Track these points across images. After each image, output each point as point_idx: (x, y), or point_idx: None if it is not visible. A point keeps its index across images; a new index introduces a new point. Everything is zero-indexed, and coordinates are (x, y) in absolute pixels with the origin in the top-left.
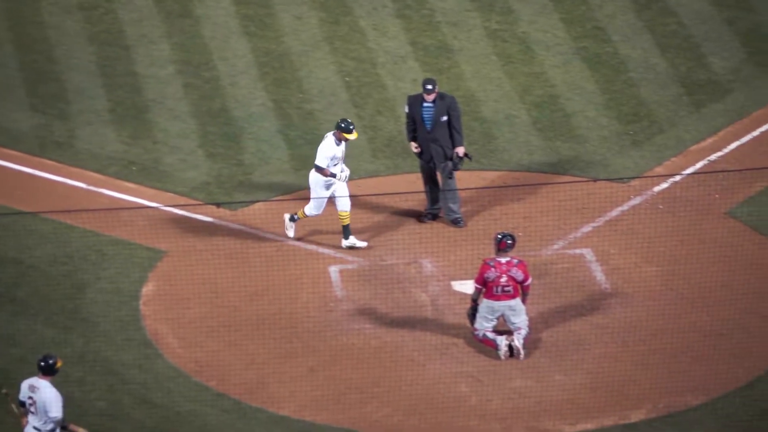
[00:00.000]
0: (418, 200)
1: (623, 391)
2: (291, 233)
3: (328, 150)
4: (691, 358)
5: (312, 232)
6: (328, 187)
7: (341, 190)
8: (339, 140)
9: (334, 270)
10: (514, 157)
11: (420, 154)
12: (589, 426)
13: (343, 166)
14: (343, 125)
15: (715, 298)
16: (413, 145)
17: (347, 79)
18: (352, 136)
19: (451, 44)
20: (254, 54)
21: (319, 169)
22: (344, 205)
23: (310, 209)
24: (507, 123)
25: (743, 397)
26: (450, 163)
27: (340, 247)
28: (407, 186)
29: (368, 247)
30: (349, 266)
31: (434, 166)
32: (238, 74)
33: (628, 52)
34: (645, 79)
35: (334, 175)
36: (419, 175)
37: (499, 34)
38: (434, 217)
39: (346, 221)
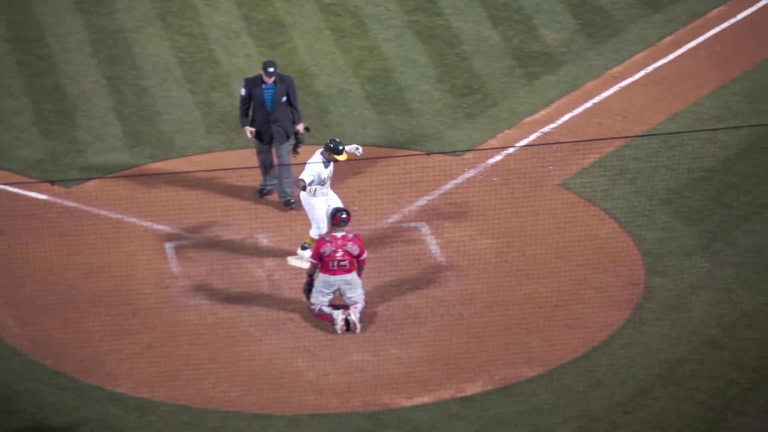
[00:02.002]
0: (253, 176)
1: (459, 363)
2: (305, 264)
3: (315, 167)
4: (526, 330)
5: (146, 209)
6: (322, 203)
7: (334, 199)
8: (327, 161)
9: (169, 246)
10: (348, 132)
11: (258, 137)
12: (425, 399)
13: (330, 189)
14: (332, 145)
15: (549, 270)
16: (249, 129)
17: (180, 54)
18: (342, 158)
19: (284, 19)
20: (87, 30)
21: (298, 185)
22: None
23: (315, 231)
24: (341, 97)
25: (578, 368)
26: (293, 142)
27: (176, 224)
28: (242, 161)
29: (209, 221)
30: (185, 242)
31: (274, 148)
32: (71, 51)
33: (461, 25)
34: (477, 51)
35: (304, 188)
36: (254, 150)
37: (331, 8)
38: (269, 192)
39: (308, 240)
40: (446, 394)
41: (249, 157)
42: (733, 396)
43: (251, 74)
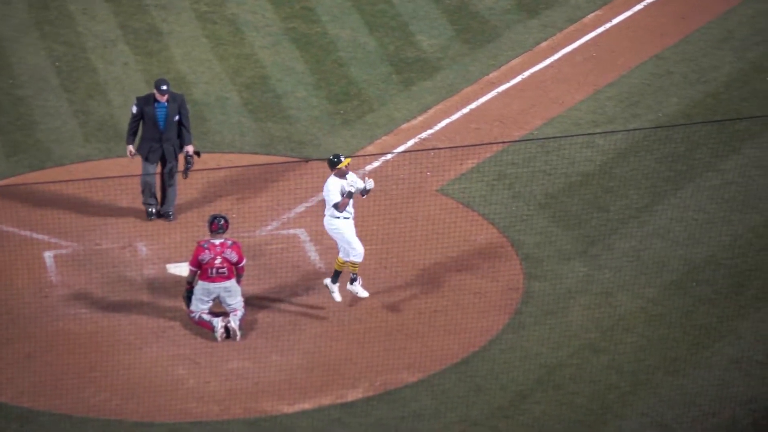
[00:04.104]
0: (132, 184)
1: (340, 370)
2: (363, 293)
3: (335, 185)
4: (406, 336)
5: (25, 218)
6: (349, 227)
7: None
8: (341, 176)
9: (48, 255)
10: (226, 139)
11: (148, 156)
12: (306, 406)
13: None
14: (335, 160)
15: (428, 276)
16: (131, 150)
17: (57, 63)
18: (346, 162)
19: (161, 27)
20: None
21: (336, 206)
22: (355, 254)
23: (357, 255)
24: (218, 105)
25: (458, 373)
26: (183, 163)
27: (54, 233)
28: (120, 170)
29: (88, 230)
30: (64, 251)
31: (163, 166)
32: None
33: (337, 32)
34: (354, 58)
35: (351, 195)
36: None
37: (208, 16)
38: (160, 215)
39: (341, 267)
40: (327, 401)
41: (127, 165)
42: (612, 399)
43: (128, 82)
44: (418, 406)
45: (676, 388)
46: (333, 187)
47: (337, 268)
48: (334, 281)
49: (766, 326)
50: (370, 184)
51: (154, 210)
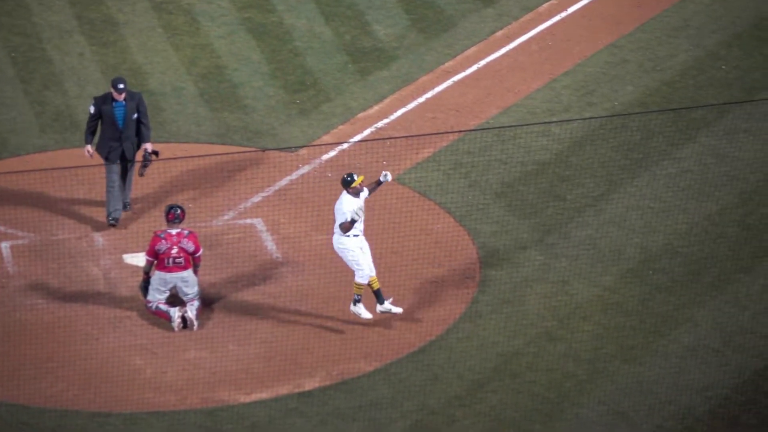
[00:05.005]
0: (88, 174)
1: (297, 359)
2: (366, 314)
3: (349, 204)
4: (363, 325)
5: None
6: (357, 246)
7: (367, 250)
8: (355, 194)
9: (5, 246)
10: (182, 129)
11: (108, 156)
12: (264, 395)
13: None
14: (349, 179)
15: (385, 265)
16: (88, 150)
17: (13, 54)
18: (359, 180)
19: (117, 17)
20: None
21: (343, 226)
22: (370, 270)
23: (361, 277)
24: (174, 95)
25: (415, 362)
26: (140, 162)
27: (11, 223)
28: (76, 160)
29: (45, 220)
30: (20, 242)
31: (123, 164)
32: None
33: (293, 22)
34: (310, 48)
35: (354, 221)
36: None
37: (164, 6)
38: (118, 219)
39: (376, 285)
40: (284, 390)
41: (82, 156)
42: (569, 388)
43: (84, 73)
44: (375, 396)
45: (633, 376)
46: (346, 207)
47: (375, 288)
48: (380, 301)
49: (723, 314)
50: (388, 177)
51: (118, 216)
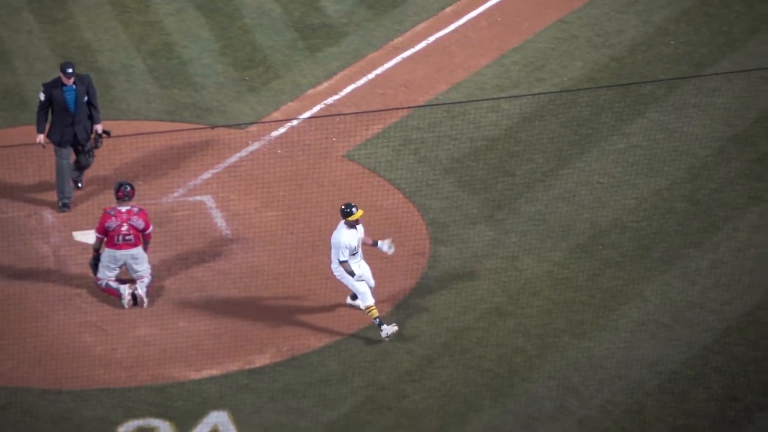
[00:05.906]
0: (37, 152)
1: (247, 336)
2: (393, 328)
3: (346, 238)
4: (313, 302)
5: None
6: (355, 269)
7: (366, 275)
8: (351, 226)
9: None
10: (132, 107)
11: (60, 141)
12: (214, 372)
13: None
14: (348, 210)
15: None
16: (41, 137)
17: None
18: (359, 214)
19: None
20: None
21: (342, 263)
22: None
23: (365, 299)
24: (124, 72)
25: (365, 338)
26: (90, 143)
27: None
28: (26, 138)
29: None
30: None
31: (75, 149)
32: None
33: None
34: (260, 24)
35: (353, 273)
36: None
37: None
38: (68, 205)
39: (374, 313)
40: (234, 367)
41: (32, 133)
42: (519, 363)
43: (33, 51)
44: (325, 371)
45: (583, 351)
46: (344, 240)
47: (374, 316)
48: (380, 324)
49: (672, 289)
50: (390, 250)
51: (68, 202)
